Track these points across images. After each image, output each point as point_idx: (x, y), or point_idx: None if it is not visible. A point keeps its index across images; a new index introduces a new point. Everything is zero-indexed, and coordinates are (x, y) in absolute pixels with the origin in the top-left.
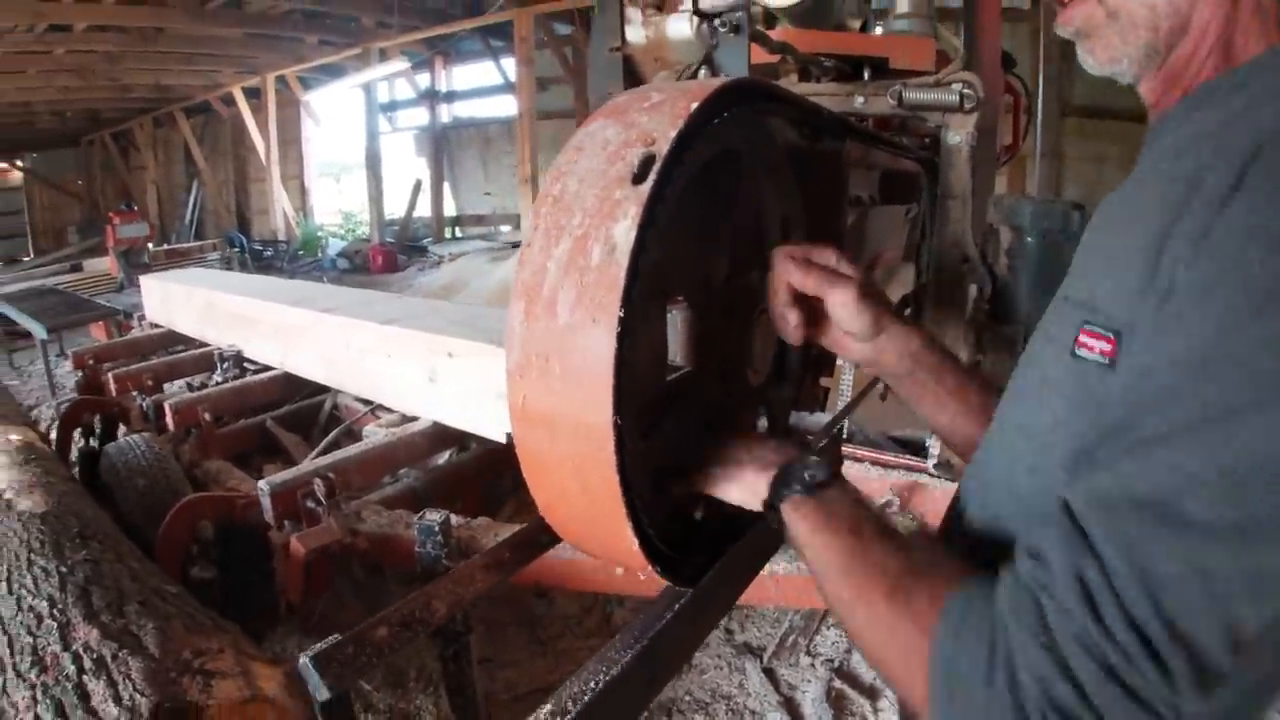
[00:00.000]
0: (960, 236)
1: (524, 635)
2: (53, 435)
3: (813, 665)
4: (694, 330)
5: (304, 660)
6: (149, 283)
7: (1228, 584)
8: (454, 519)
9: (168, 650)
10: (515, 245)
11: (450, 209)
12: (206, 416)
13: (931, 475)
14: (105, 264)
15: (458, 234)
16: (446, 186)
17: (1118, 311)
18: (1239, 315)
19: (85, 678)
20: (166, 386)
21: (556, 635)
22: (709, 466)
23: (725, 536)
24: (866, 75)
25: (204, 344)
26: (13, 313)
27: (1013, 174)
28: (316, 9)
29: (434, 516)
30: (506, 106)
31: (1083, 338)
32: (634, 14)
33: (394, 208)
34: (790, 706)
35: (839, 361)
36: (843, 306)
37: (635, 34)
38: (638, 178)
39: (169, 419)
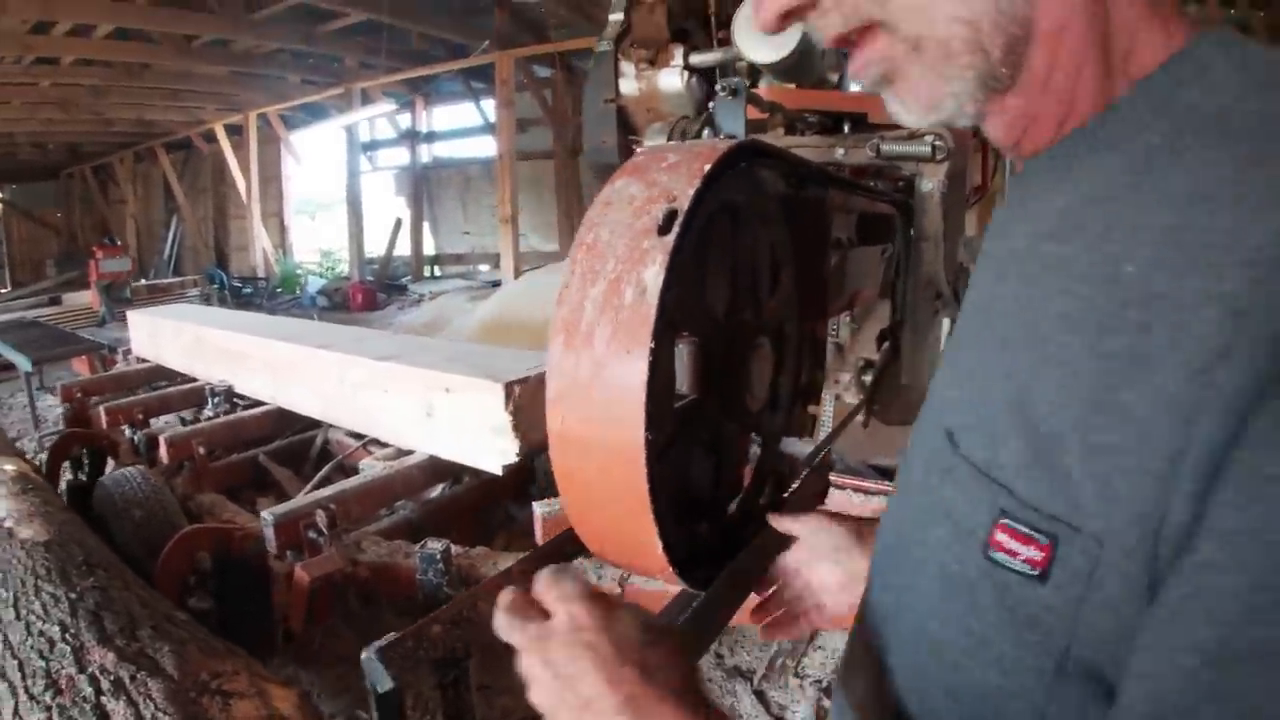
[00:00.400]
0: (934, 275)
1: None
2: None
3: (801, 686)
4: (698, 362)
5: (368, 654)
6: (136, 317)
7: None
8: (453, 548)
9: (185, 672)
10: (494, 284)
11: (430, 248)
12: (200, 450)
13: None
14: (86, 298)
15: (436, 273)
16: (426, 226)
17: (1049, 503)
18: None
19: (104, 699)
20: (154, 421)
21: None
22: None
23: (727, 547)
24: (847, 129)
25: (192, 379)
26: None
27: (983, 214)
28: (301, 49)
29: (435, 545)
30: (486, 147)
31: (1000, 536)
32: (628, 68)
33: (373, 246)
34: None
35: (823, 391)
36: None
37: (629, 86)
38: (663, 229)
39: (163, 452)
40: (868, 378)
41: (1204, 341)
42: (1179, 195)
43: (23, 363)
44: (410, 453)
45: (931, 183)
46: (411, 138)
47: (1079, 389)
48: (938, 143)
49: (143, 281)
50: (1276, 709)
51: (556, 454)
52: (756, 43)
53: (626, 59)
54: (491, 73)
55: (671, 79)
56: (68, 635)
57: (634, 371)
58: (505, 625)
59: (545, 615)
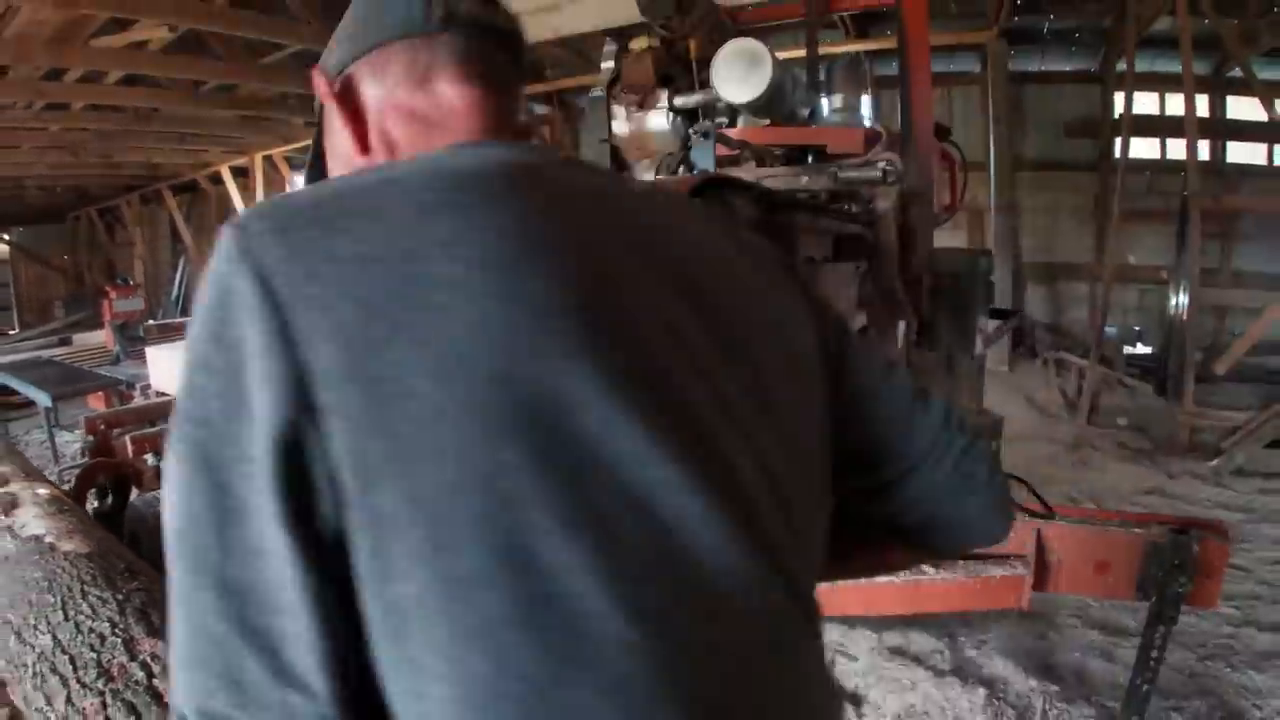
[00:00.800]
0: (891, 284)
1: None
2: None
3: None
4: None
5: None
6: (155, 353)
7: None
8: None
9: None
10: None
11: None
12: None
13: None
14: (98, 337)
15: None
16: None
17: None
18: None
19: (155, 681)
20: None
21: None
22: None
23: None
24: (810, 159)
25: None
26: (14, 382)
27: (972, 227)
28: (305, 93)
29: None
30: None
31: None
32: (619, 110)
33: None
34: None
35: None
36: None
37: (620, 127)
38: None
39: None
40: None
41: None
42: None
43: (42, 399)
44: None
45: (886, 203)
46: None
47: None
48: (887, 167)
49: (151, 321)
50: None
51: None
52: (732, 85)
53: (618, 103)
54: None
55: (658, 120)
56: (117, 630)
57: None
58: None
59: None
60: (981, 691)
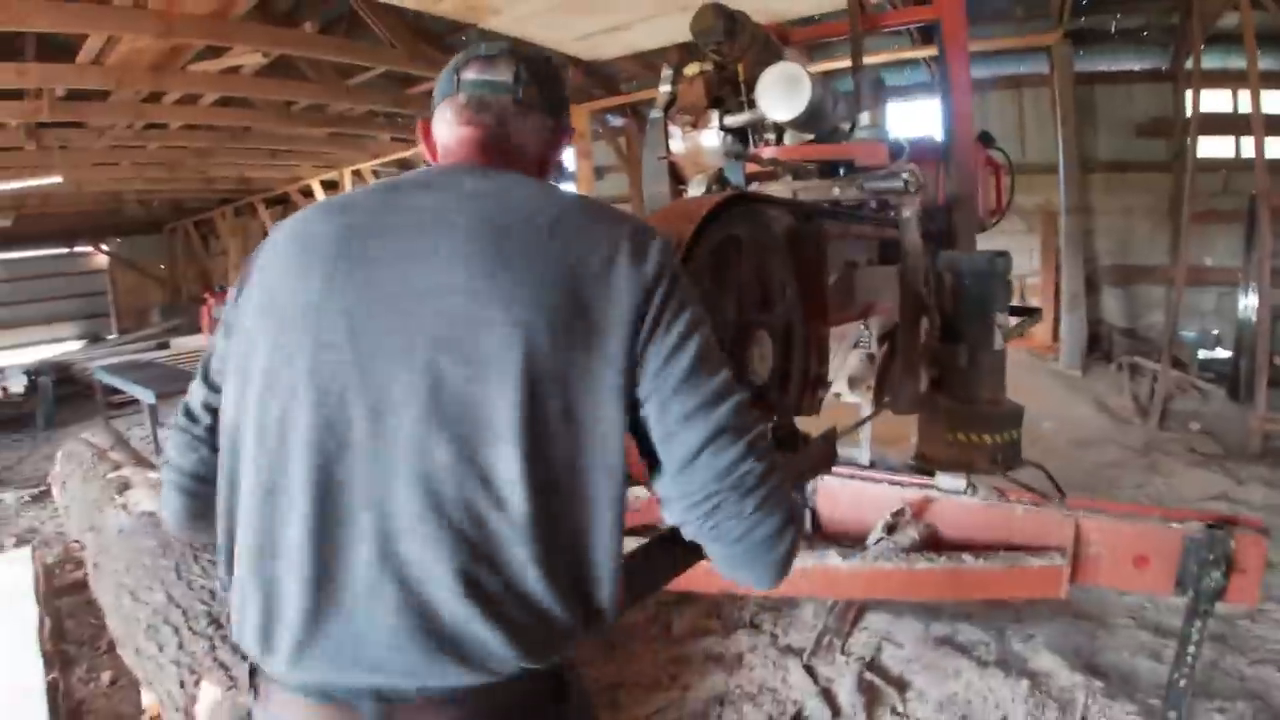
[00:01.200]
0: (915, 284)
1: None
2: None
3: (846, 662)
4: None
5: None
6: None
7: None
8: None
9: None
10: None
11: None
12: None
13: (940, 491)
14: (197, 341)
15: None
16: None
17: None
18: None
19: None
20: None
21: (624, 640)
22: None
23: None
24: (841, 172)
25: None
26: (119, 381)
27: (1045, 230)
28: (392, 110)
29: None
30: None
31: None
32: (675, 130)
33: None
34: (828, 696)
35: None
36: None
37: (677, 146)
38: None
39: None
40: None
41: None
42: None
43: (147, 396)
44: None
45: (910, 210)
46: None
47: None
48: (909, 177)
49: None
50: None
51: None
52: (775, 104)
53: (674, 123)
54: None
55: (711, 139)
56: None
57: None
58: None
59: None
60: (1025, 683)
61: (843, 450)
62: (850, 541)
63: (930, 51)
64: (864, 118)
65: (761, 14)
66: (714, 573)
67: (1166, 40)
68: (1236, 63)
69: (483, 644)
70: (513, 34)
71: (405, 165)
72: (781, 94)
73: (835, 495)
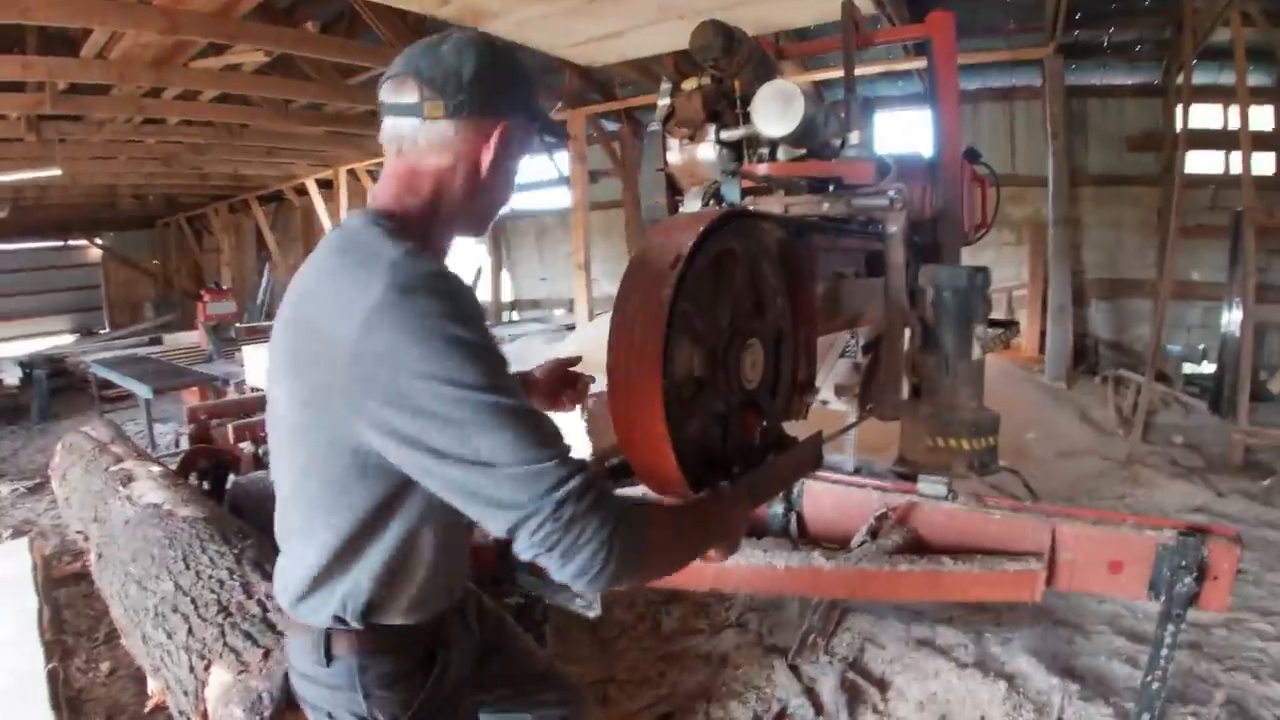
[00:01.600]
0: (899, 296)
1: (586, 637)
2: None
3: (830, 661)
4: (705, 355)
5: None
6: (252, 351)
7: None
8: None
9: None
10: (569, 327)
11: (508, 294)
12: None
13: (921, 496)
14: (191, 337)
15: (514, 317)
16: (505, 273)
17: None
18: None
19: (270, 615)
20: None
21: (614, 638)
22: None
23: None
24: (831, 188)
25: None
26: (116, 376)
27: (1034, 241)
28: None
29: None
30: (560, 198)
31: None
32: (673, 143)
33: None
34: (811, 695)
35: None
36: None
37: (674, 158)
38: (673, 265)
39: None
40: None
41: None
42: None
43: (144, 391)
44: None
45: (895, 226)
46: None
47: None
48: (894, 195)
49: (239, 325)
50: None
51: (611, 403)
52: (769, 120)
53: (672, 136)
54: (564, 129)
55: (707, 151)
56: (235, 576)
57: (654, 353)
58: None
59: None
60: (1002, 685)
61: (828, 456)
62: (834, 544)
63: (922, 63)
64: (853, 137)
65: (759, 25)
66: (703, 572)
67: (1158, 55)
68: (1227, 78)
69: None
70: (511, 38)
71: None
72: (776, 111)
73: (820, 499)
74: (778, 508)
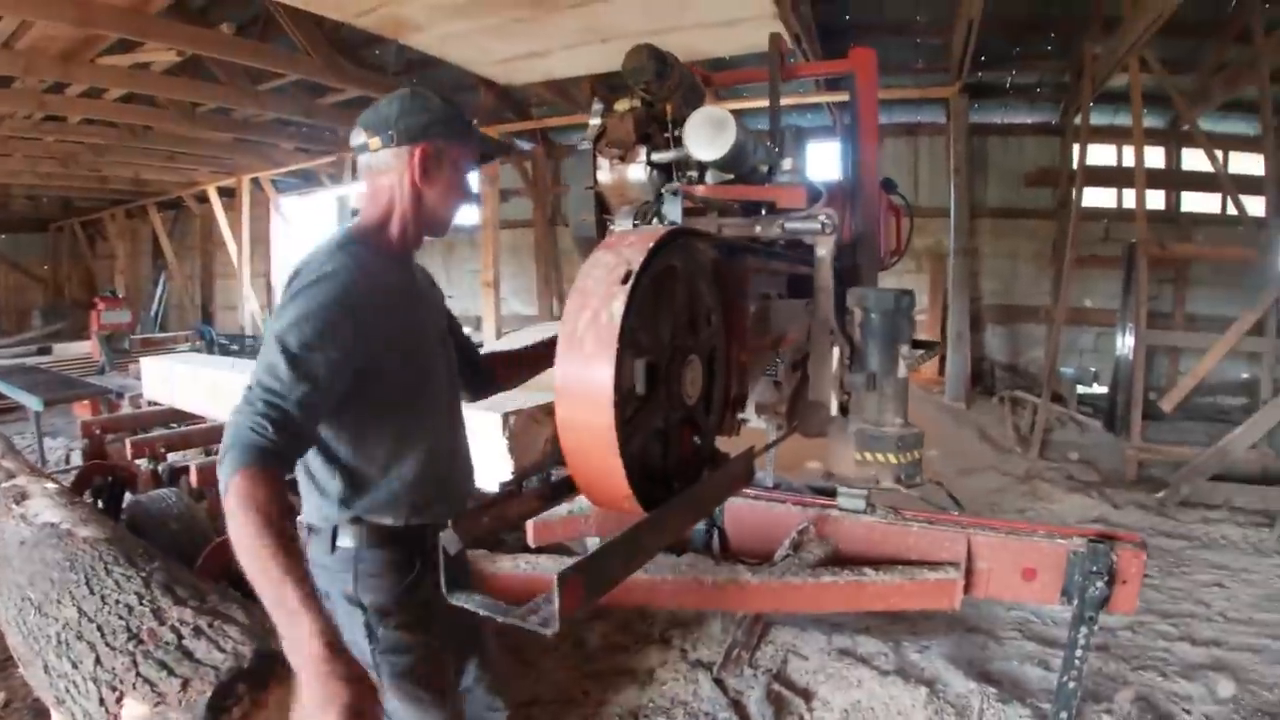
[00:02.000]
0: (828, 317)
1: (509, 657)
2: None
3: (755, 674)
4: (648, 371)
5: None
6: (149, 363)
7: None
8: None
9: (254, 620)
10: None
11: None
12: None
13: (839, 510)
14: (82, 347)
15: None
16: None
17: None
18: None
19: (185, 642)
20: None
21: (537, 656)
22: None
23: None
24: (764, 212)
25: (204, 419)
26: (4, 386)
27: (934, 270)
28: (296, 119)
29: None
30: (468, 215)
31: None
32: (603, 162)
33: None
34: (738, 708)
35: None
36: None
37: (604, 177)
38: (624, 281)
39: (193, 478)
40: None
41: None
42: None
43: (34, 403)
44: None
45: (824, 249)
46: None
47: None
48: (825, 220)
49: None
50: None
51: (560, 421)
52: (701, 145)
53: (603, 155)
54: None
55: (637, 172)
56: (144, 601)
57: (606, 368)
58: None
59: None
60: (923, 690)
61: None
62: (756, 559)
63: (834, 97)
64: (785, 163)
65: (684, 52)
66: (629, 587)
67: (1057, 97)
68: (1122, 119)
69: None
70: (432, 52)
71: (307, 176)
72: (707, 135)
73: (742, 516)
74: (700, 524)
